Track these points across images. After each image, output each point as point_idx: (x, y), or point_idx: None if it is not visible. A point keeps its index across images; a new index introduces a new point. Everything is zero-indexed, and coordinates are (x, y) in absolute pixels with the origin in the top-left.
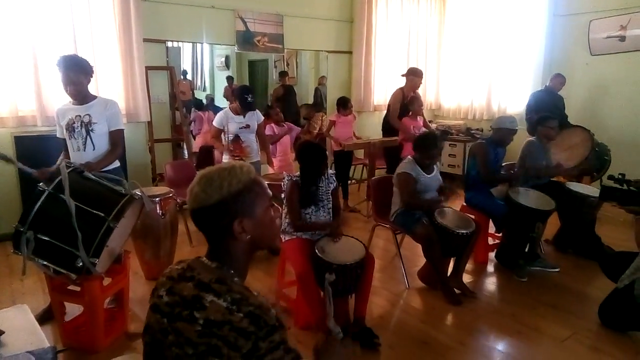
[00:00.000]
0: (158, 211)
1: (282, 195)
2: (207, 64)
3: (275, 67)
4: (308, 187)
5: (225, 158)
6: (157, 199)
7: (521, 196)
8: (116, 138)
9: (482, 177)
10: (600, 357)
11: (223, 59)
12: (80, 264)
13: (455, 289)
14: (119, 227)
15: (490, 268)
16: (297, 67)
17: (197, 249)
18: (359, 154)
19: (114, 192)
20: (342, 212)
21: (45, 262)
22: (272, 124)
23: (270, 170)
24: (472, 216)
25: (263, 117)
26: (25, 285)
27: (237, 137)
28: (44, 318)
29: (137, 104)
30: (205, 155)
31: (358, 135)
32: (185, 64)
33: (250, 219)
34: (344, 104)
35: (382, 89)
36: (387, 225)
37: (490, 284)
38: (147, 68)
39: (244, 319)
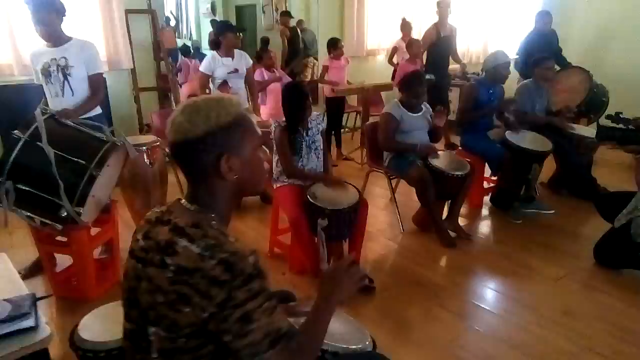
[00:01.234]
0: (146, 160)
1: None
2: (192, 11)
3: (264, 12)
4: (296, 130)
5: None
6: (144, 147)
7: (518, 138)
8: (96, 83)
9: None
10: (595, 294)
11: (209, 5)
12: (65, 214)
13: (450, 232)
14: (103, 176)
15: (485, 211)
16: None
17: None
18: (352, 101)
19: (94, 139)
20: (330, 157)
21: (28, 214)
22: (263, 69)
23: (257, 119)
24: (468, 159)
25: (251, 62)
26: (14, 238)
27: (224, 83)
28: (34, 270)
29: (118, 49)
30: None
31: (351, 82)
32: (169, 12)
33: (238, 157)
34: (333, 45)
35: (376, 32)
36: (381, 170)
37: (485, 226)
38: (127, 11)
39: (217, 267)
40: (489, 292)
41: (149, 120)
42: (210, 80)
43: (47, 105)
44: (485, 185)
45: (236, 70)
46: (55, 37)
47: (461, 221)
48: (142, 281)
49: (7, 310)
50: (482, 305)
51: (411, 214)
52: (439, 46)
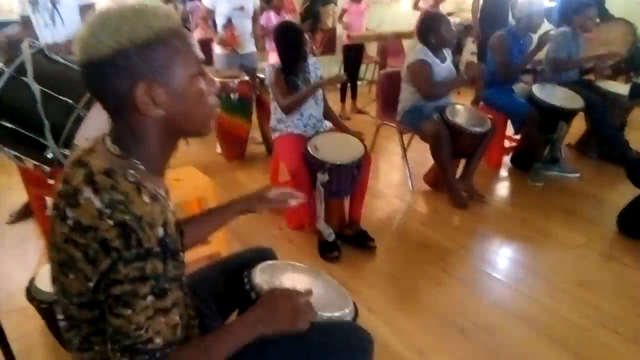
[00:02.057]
0: None
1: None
2: None
3: None
4: (291, 73)
5: (217, 49)
6: None
7: (546, 93)
8: (87, 14)
9: (500, 73)
10: (614, 265)
11: None
12: (51, 155)
13: (462, 192)
14: (94, 118)
15: (504, 172)
16: None
17: (196, 148)
18: (372, 52)
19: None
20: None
21: (16, 153)
22: (271, 12)
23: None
24: (490, 115)
25: (259, 1)
26: (13, 181)
27: (229, 22)
28: (24, 214)
29: None
30: (205, 50)
31: (370, 29)
32: None
33: (164, 86)
34: None
35: None
36: (393, 125)
37: (503, 188)
38: None
39: (113, 229)
40: (499, 258)
41: None
42: (213, 16)
43: (36, 38)
44: (507, 144)
45: (241, 8)
46: None
47: (477, 181)
48: (53, 231)
49: None
50: (490, 272)
51: (423, 173)
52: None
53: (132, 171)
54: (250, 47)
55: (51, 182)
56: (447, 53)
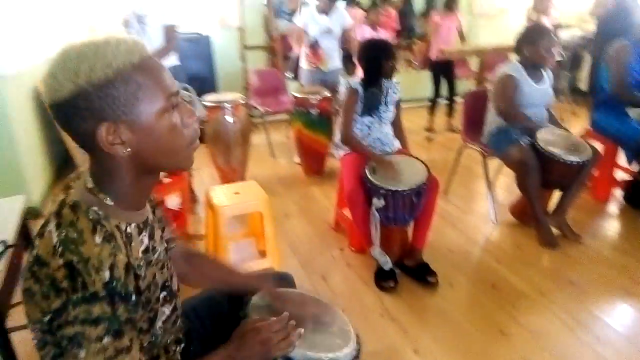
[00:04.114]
0: (228, 118)
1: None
2: None
3: None
4: (370, 87)
5: (303, 63)
6: (228, 105)
7: None
8: (168, 33)
9: (613, 92)
10: None
11: None
12: None
13: (553, 229)
14: None
15: (613, 209)
16: None
17: (279, 161)
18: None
19: None
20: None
21: None
22: (364, 26)
23: (342, 81)
24: (597, 142)
25: (350, 23)
26: None
27: (316, 43)
28: None
29: (228, 7)
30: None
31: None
32: None
33: (128, 125)
34: (448, 2)
35: None
36: (477, 147)
37: (607, 228)
38: None
39: (61, 269)
40: (583, 313)
41: None
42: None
43: None
44: (619, 176)
45: (329, 31)
46: None
47: (575, 216)
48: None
49: None
50: (571, 329)
51: (510, 202)
52: (616, 14)
53: (95, 208)
54: (334, 64)
55: None
56: (547, 75)
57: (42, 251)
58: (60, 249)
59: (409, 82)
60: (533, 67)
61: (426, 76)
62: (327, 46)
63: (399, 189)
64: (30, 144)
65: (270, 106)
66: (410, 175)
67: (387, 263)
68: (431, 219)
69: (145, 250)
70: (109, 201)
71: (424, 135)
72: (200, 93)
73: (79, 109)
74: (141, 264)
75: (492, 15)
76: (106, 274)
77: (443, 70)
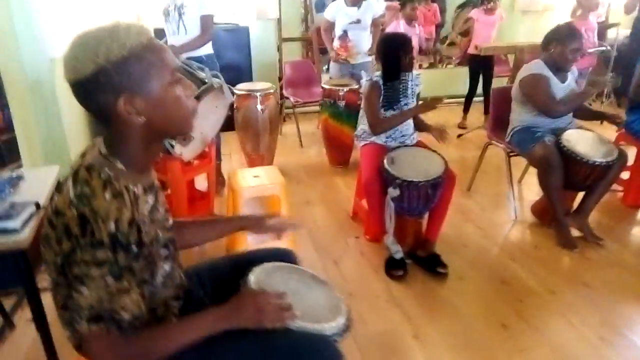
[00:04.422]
0: (258, 106)
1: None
2: None
3: None
4: (390, 82)
5: (332, 56)
6: (258, 94)
7: None
8: (205, 23)
9: (634, 94)
10: None
11: None
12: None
13: (573, 230)
14: (203, 114)
15: None
16: None
17: (307, 151)
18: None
19: (196, 79)
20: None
21: None
22: (400, 21)
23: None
24: (630, 144)
25: (381, 12)
26: None
27: (344, 34)
28: None
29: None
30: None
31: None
32: None
33: (142, 96)
34: None
35: None
36: (501, 144)
37: (633, 234)
38: None
39: (75, 218)
40: (591, 314)
41: None
42: (334, 28)
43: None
44: None
45: (358, 21)
46: None
47: (601, 220)
48: None
49: (3, 209)
50: (574, 324)
51: (533, 201)
52: None
53: (107, 169)
54: (364, 57)
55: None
56: (572, 72)
57: (60, 203)
58: (75, 202)
59: (446, 78)
60: (555, 65)
61: (464, 73)
62: (356, 37)
63: (414, 180)
64: (75, 121)
65: (301, 97)
66: (427, 167)
67: (398, 252)
68: (445, 213)
69: (151, 210)
70: (119, 164)
71: (456, 132)
72: (235, 81)
73: (100, 85)
74: (145, 220)
75: (536, 11)
76: (111, 226)
77: (482, 66)
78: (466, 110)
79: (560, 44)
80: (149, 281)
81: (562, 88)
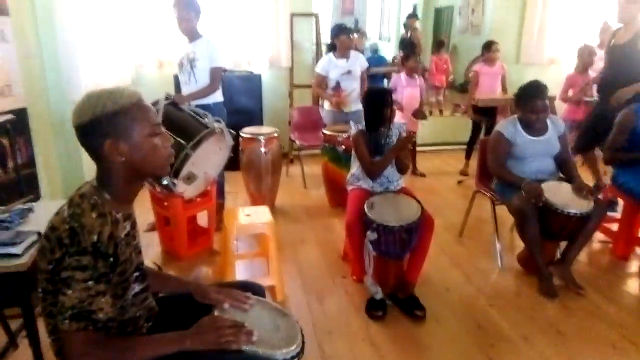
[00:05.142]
0: (261, 149)
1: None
2: (394, 13)
3: (460, 14)
4: (372, 133)
5: (327, 106)
6: (262, 137)
7: None
8: (214, 74)
9: (606, 157)
10: None
11: (411, 7)
12: (165, 182)
13: (558, 278)
14: (199, 155)
15: (633, 268)
16: (482, 15)
17: (310, 192)
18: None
19: (200, 124)
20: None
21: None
22: (403, 74)
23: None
24: (618, 197)
25: (367, 65)
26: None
27: (337, 85)
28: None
29: (279, 49)
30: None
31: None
32: (371, 13)
33: (125, 142)
34: (487, 47)
35: (560, 36)
36: (487, 193)
37: (617, 285)
38: (292, 15)
39: (66, 232)
40: None
41: None
42: (326, 80)
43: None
44: None
45: (349, 72)
46: (191, 33)
47: (588, 271)
48: None
49: (8, 237)
50: None
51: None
52: (611, 54)
53: (96, 197)
54: (357, 105)
55: (165, 203)
56: (554, 125)
57: (55, 221)
58: (68, 219)
59: (451, 126)
60: (524, 121)
61: (468, 121)
62: (348, 86)
63: (389, 225)
64: None
65: (307, 140)
66: (403, 212)
67: (377, 293)
68: (424, 256)
69: (127, 234)
70: (106, 195)
71: (457, 179)
72: (245, 125)
73: (93, 130)
74: (122, 242)
75: (540, 64)
76: (95, 237)
77: (484, 115)
78: (468, 156)
79: (522, 103)
80: (121, 295)
81: (531, 140)
